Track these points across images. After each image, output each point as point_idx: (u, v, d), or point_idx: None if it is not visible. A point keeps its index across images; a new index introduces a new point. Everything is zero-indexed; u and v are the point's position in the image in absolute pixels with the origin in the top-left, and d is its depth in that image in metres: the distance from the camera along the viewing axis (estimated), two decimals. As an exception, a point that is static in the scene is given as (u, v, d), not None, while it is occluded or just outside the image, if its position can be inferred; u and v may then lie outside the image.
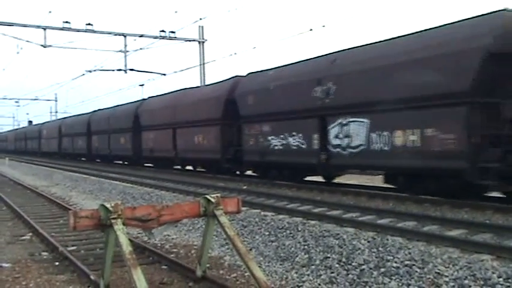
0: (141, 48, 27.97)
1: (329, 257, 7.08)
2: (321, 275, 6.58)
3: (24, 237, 9.78)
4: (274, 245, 8.10)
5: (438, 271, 6.01)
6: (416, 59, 11.27)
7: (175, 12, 40.53)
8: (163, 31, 27.60)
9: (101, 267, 5.95)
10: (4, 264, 7.58)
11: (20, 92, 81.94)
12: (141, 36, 27.43)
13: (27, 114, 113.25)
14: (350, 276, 6.37)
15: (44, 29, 25.64)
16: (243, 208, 8.21)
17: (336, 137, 13.69)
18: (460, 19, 11.24)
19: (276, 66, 17.54)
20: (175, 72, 34.64)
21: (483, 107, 10.23)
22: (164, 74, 30.30)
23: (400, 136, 11.67)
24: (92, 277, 6.39)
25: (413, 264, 6.31)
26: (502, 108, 10.11)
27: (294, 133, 15.45)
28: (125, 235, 5.28)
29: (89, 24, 26.21)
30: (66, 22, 25.61)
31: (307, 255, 7.33)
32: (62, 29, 25.73)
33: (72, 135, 40.33)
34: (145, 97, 29.78)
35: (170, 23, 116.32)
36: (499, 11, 10.39)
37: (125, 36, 27.50)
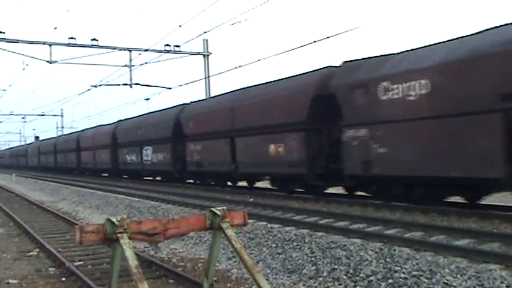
0: (146, 63, 28.03)
1: (336, 269, 7.05)
2: (328, 287, 6.55)
3: (31, 253, 9.82)
4: (281, 257, 8.08)
5: (446, 281, 5.97)
6: (152, 123, 25.95)
7: (180, 26, 40.72)
8: (168, 45, 27.71)
9: (108, 282, 5.95)
10: (11, 281, 7.59)
11: (26, 108, 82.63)
12: (146, 50, 27.56)
13: (34, 130, 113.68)
14: (358, 287, 6.34)
15: (50, 45, 25.79)
16: (250, 220, 8.22)
17: (145, 155, 26.91)
18: (166, 107, 26.27)
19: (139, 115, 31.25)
20: (181, 85, 34.72)
21: (176, 144, 23.19)
22: (169, 88, 30.33)
23: (158, 156, 25.15)
24: (98, 292, 6.40)
25: (421, 275, 6.27)
26: (185, 145, 22.58)
27: (133, 153, 28.71)
28: (131, 249, 5.29)
29: (94, 39, 26.38)
30: (72, 38, 25.70)
31: (314, 267, 7.30)
32: (68, 45, 25.84)
33: (47, 153, 52.68)
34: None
35: (175, 37, 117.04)
36: (180, 104, 24.10)
37: (130, 51, 27.67)
